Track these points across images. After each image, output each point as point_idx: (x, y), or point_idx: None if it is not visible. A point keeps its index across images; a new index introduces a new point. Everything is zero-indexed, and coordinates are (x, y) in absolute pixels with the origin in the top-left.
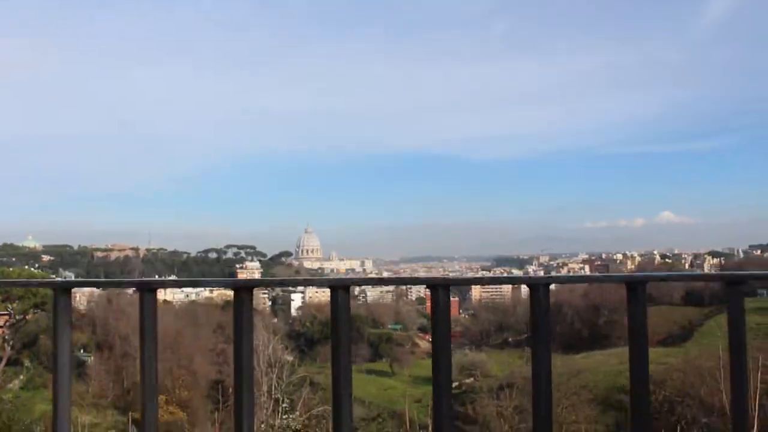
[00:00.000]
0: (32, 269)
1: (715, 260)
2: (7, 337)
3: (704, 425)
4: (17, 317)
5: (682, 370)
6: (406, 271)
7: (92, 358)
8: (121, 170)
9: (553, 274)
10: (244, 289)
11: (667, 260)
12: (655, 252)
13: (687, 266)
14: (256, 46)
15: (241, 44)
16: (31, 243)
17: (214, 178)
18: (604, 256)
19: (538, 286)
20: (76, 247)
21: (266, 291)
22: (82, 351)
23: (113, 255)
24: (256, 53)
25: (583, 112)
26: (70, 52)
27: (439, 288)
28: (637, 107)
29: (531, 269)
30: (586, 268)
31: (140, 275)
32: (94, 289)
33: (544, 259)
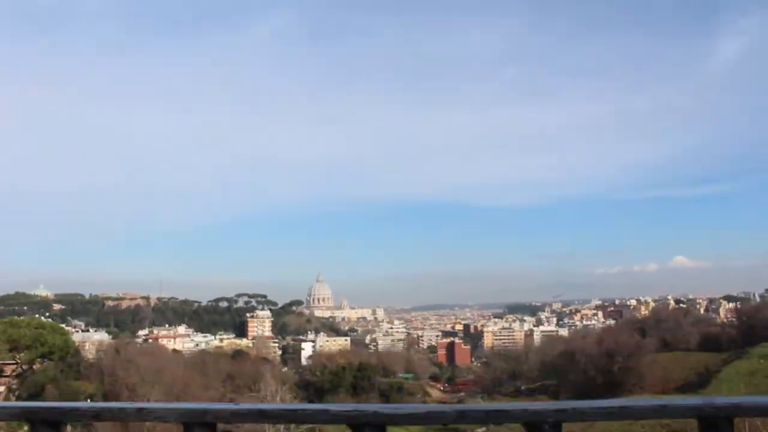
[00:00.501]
0: (43, 318)
1: (731, 305)
2: (13, 386)
3: None
4: (24, 367)
5: None
6: (417, 319)
7: None
8: (133, 220)
9: (566, 320)
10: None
11: (681, 305)
12: (670, 297)
13: (702, 311)
14: (266, 95)
15: (251, 93)
16: (43, 292)
17: (225, 228)
18: (617, 301)
19: (543, 425)
20: (87, 296)
21: (277, 339)
22: (89, 401)
23: (124, 304)
24: (266, 102)
25: (594, 157)
26: (82, 100)
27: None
28: (647, 152)
29: (543, 315)
30: (600, 314)
31: (150, 324)
32: (104, 337)
33: (556, 306)
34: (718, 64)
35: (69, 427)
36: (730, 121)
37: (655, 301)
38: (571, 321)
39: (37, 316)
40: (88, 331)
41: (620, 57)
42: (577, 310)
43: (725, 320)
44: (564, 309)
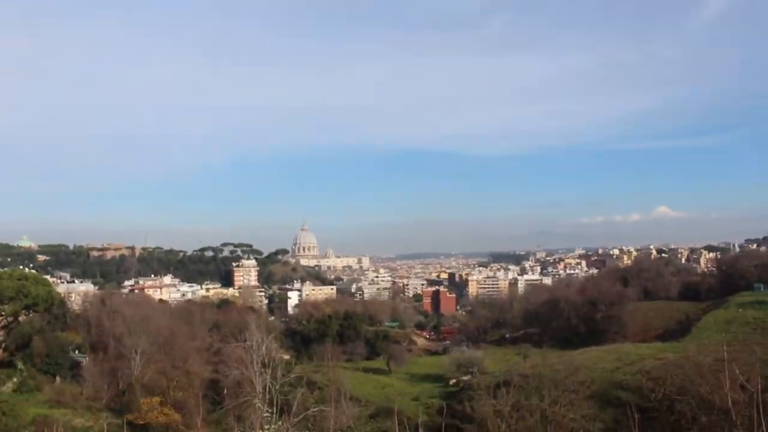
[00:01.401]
0: (27, 269)
1: (711, 255)
2: None
3: (704, 423)
4: (9, 319)
5: (680, 366)
6: (403, 267)
7: (86, 359)
8: (117, 168)
9: (550, 270)
10: None
11: (663, 255)
12: (652, 247)
13: (683, 261)
14: (256, 41)
15: (242, 40)
16: (26, 243)
17: (210, 176)
18: (600, 251)
19: None
20: (71, 247)
21: (263, 288)
22: (76, 352)
23: (109, 254)
24: (256, 49)
25: (580, 109)
26: (66, 48)
27: None
28: (633, 104)
29: (527, 264)
30: (583, 263)
31: (136, 274)
32: (89, 288)
33: (540, 255)
34: (707, 16)
35: (57, 378)
36: (717, 74)
37: (637, 250)
38: (554, 270)
39: (21, 267)
40: (73, 282)
41: (610, 7)
42: (561, 260)
43: (706, 270)
44: (548, 258)
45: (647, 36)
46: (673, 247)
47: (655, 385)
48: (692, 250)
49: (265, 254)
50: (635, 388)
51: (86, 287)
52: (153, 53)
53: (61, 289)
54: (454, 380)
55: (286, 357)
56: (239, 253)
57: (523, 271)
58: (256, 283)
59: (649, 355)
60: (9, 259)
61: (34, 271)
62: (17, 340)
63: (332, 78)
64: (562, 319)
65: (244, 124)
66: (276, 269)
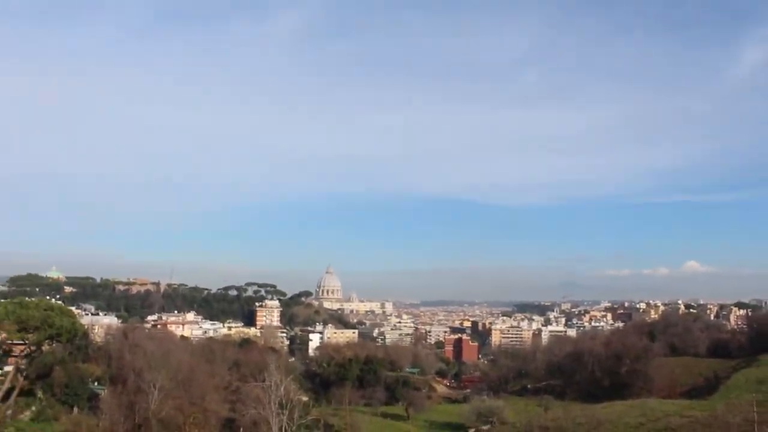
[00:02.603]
0: (53, 300)
1: (742, 311)
2: (21, 366)
3: None
4: (32, 348)
5: (708, 424)
6: (426, 314)
7: (105, 391)
8: (148, 207)
9: (575, 321)
10: None
11: (692, 310)
12: (680, 301)
13: (712, 317)
14: (287, 89)
15: (272, 87)
16: (55, 274)
17: (237, 217)
18: (626, 304)
19: None
20: (98, 280)
21: (285, 329)
22: (96, 384)
23: (134, 289)
24: (287, 96)
25: (609, 161)
26: (97, 85)
27: None
28: (663, 157)
29: (552, 315)
30: (608, 316)
31: (160, 310)
32: (113, 321)
33: (565, 307)
34: (740, 72)
35: (75, 409)
36: (749, 129)
37: (665, 305)
38: (579, 322)
39: (48, 297)
40: (98, 314)
41: (642, 61)
42: (586, 312)
43: (736, 327)
44: (573, 310)
45: (679, 90)
46: (702, 302)
47: None
48: (722, 306)
49: (289, 295)
50: None
51: (110, 320)
52: (184, 100)
53: (86, 321)
54: (473, 429)
55: (305, 399)
56: (263, 293)
57: (547, 322)
58: (279, 324)
59: (675, 412)
60: (37, 289)
61: (60, 302)
62: (38, 370)
63: (361, 126)
64: (585, 372)
65: (272, 170)
66: (299, 311)
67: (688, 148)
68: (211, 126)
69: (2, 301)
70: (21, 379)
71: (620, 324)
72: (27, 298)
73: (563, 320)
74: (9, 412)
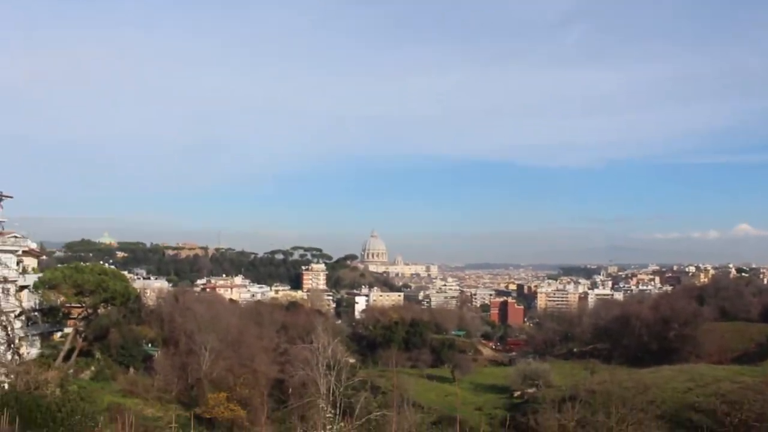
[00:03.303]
0: (107, 265)
1: None
2: (80, 329)
3: None
4: (89, 311)
5: (760, 391)
6: (471, 277)
7: (159, 352)
8: (196, 172)
9: (621, 285)
10: None
11: (743, 274)
12: (731, 265)
13: (765, 281)
14: (328, 51)
15: (315, 50)
16: (107, 239)
17: (282, 182)
18: (675, 267)
19: None
20: (148, 245)
21: (331, 292)
22: (149, 345)
23: (183, 253)
24: (329, 59)
25: (655, 120)
26: (158, 54)
27: None
28: (711, 116)
29: (598, 279)
30: (656, 279)
31: (208, 273)
32: (164, 285)
33: (612, 270)
34: None
35: (131, 369)
36: None
37: (715, 268)
38: (626, 285)
39: (101, 263)
40: (149, 278)
41: (686, 18)
42: (633, 275)
43: None
44: (620, 273)
45: (728, 46)
46: (754, 266)
47: (730, 409)
48: None
49: (335, 259)
50: (709, 411)
51: (161, 284)
52: (225, 65)
53: (138, 285)
54: (518, 392)
55: (351, 361)
56: (309, 257)
57: (593, 285)
58: (325, 287)
59: (725, 378)
60: (91, 255)
61: (113, 267)
62: (95, 332)
63: (400, 88)
64: (633, 336)
65: (318, 133)
66: (344, 274)
67: (738, 107)
68: (253, 91)
69: (59, 266)
70: (80, 340)
71: (669, 288)
72: (82, 263)
73: (610, 284)
74: (71, 371)
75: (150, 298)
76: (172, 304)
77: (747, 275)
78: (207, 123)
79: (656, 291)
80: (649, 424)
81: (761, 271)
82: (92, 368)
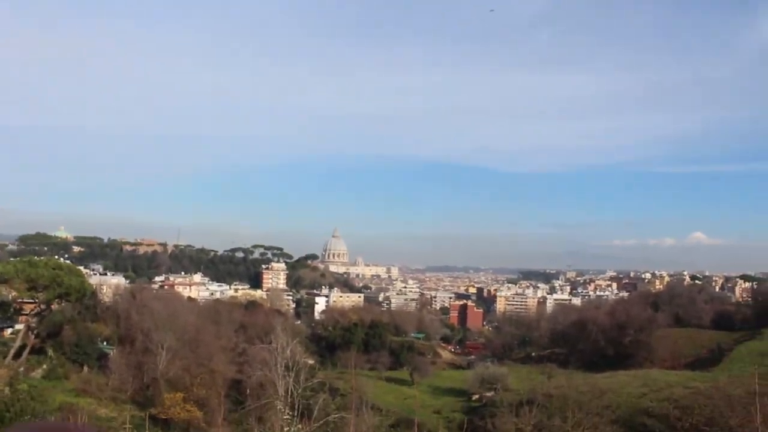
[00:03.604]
0: (62, 259)
1: (747, 284)
2: (32, 325)
3: None
4: (42, 306)
5: (710, 396)
6: (431, 279)
7: (114, 350)
8: (154, 166)
9: (580, 290)
10: None
11: (697, 282)
12: (685, 273)
13: (718, 289)
14: (292, 46)
15: (276, 42)
16: (63, 233)
17: (243, 179)
18: (632, 274)
19: None
20: (106, 240)
21: (291, 292)
22: (104, 343)
23: (142, 249)
24: (291, 54)
25: (617, 128)
26: (105, 38)
27: None
28: (673, 126)
29: (557, 284)
30: (614, 285)
31: (167, 270)
32: (120, 282)
33: (571, 275)
34: (756, 40)
35: (85, 367)
36: (760, 99)
37: (670, 275)
38: (584, 291)
39: (56, 257)
40: (105, 274)
41: (657, 26)
42: (591, 280)
43: (741, 299)
44: (578, 278)
45: (693, 56)
46: (707, 274)
47: (682, 414)
48: (727, 279)
49: (295, 258)
50: (662, 415)
51: (118, 280)
52: (189, 55)
53: (94, 280)
54: (477, 396)
55: (310, 362)
56: (269, 255)
57: (552, 290)
58: (285, 287)
59: (678, 383)
60: (46, 249)
61: (68, 261)
62: (48, 328)
63: (369, 86)
64: (589, 341)
65: (279, 130)
66: (305, 274)
67: (697, 117)
68: (216, 83)
69: (12, 260)
70: (32, 337)
71: (625, 294)
72: (36, 257)
73: (568, 288)
74: (21, 369)
75: (106, 295)
76: (128, 301)
77: (700, 283)
78: (169, 115)
79: (613, 297)
80: (604, 428)
81: (714, 278)
82: (44, 366)
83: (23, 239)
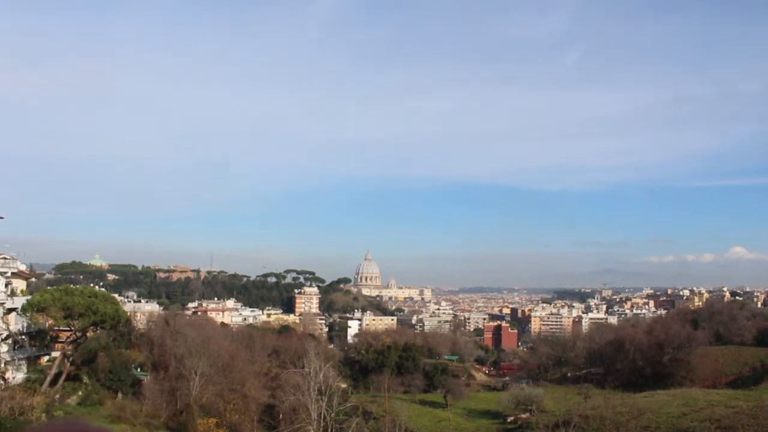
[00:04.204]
0: (97, 287)
1: None
2: (68, 352)
3: None
4: (78, 334)
5: (754, 416)
6: (465, 301)
7: (148, 376)
8: (189, 191)
9: (616, 309)
10: None
11: (737, 298)
12: (725, 289)
13: (760, 305)
14: (325, 72)
15: (305, 70)
16: (98, 262)
17: (276, 204)
18: (669, 291)
19: None
20: (140, 267)
21: (324, 316)
22: (138, 370)
23: (175, 276)
24: (319, 79)
25: (651, 145)
26: (153, 73)
27: None
28: (708, 140)
29: (592, 303)
30: (651, 303)
31: (200, 297)
32: (154, 309)
33: (606, 293)
34: None
35: (119, 394)
36: None
37: (709, 292)
38: (621, 309)
39: (92, 285)
40: (140, 301)
41: (685, 41)
42: (628, 299)
43: None
44: (614, 297)
45: (723, 71)
46: (748, 289)
47: None
48: None
49: (328, 282)
50: None
51: (152, 307)
52: (227, 84)
53: (128, 308)
54: (512, 417)
55: (343, 385)
56: (302, 280)
57: (587, 309)
58: (317, 311)
59: (720, 402)
60: (81, 277)
61: (103, 289)
62: (84, 355)
63: (399, 109)
64: (627, 360)
65: (313, 154)
66: (337, 298)
67: (734, 130)
68: (246, 111)
69: (49, 288)
70: (68, 364)
71: (663, 311)
72: (72, 286)
73: (604, 307)
74: (57, 396)
75: (140, 322)
76: (162, 328)
77: (741, 299)
78: (201, 143)
79: (650, 315)
80: None
81: (755, 294)
82: (79, 393)
83: (60, 268)
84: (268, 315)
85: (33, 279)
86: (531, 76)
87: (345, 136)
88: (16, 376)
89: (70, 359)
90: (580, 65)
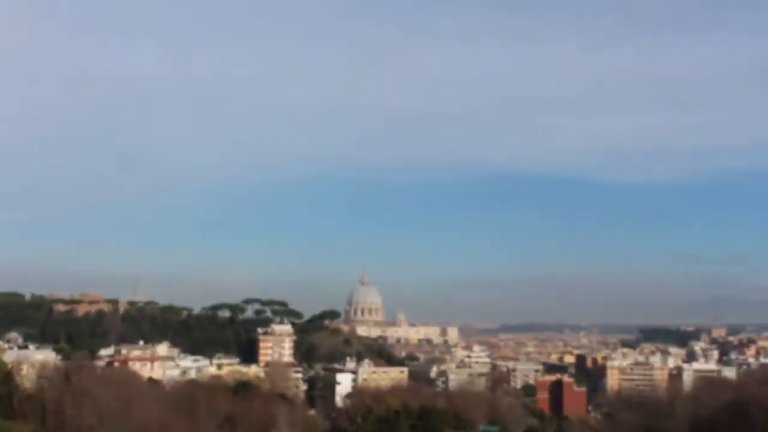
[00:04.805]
0: None
1: None
2: None
3: None
4: None
5: None
6: (508, 344)
7: None
8: (104, 189)
9: (733, 356)
10: None
11: None
12: None
13: None
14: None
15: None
16: None
17: (231, 202)
18: None
19: None
20: (28, 297)
21: (300, 368)
22: None
23: (81, 309)
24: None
25: (762, 115)
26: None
27: None
28: None
29: (698, 347)
30: None
31: (118, 340)
32: (49, 358)
33: (718, 333)
34: None
35: None
36: None
37: None
38: (741, 357)
39: None
40: (26, 347)
41: None
42: (751, 341)
43: None
44: (730, 338)
45: None
46: None
47: None
48: None
49: (307, 317)
50: None
51: (45, 356)
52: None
53: (9, 357)
54: None
55: None
56: (268, 314)
57: (691, 357)
58: (291, 360)
59: None
60: None
61: None
62: None
63: (398, 72)
64: (751, 428)
65: (279, 128)
66: (321, 340)
67: None
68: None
69: None
70: None
71: None
72: None
73: (715, 354)
74: None
75: (27, 378)
76: (60, 387)
77: None
78: (123, 120)
79: None
80: None
81: None
82: None
83: None
84: (219, 366)
85: None
86: (585, 26)
87: (339, 106)
88: None
89: None
90: (653, 10)
